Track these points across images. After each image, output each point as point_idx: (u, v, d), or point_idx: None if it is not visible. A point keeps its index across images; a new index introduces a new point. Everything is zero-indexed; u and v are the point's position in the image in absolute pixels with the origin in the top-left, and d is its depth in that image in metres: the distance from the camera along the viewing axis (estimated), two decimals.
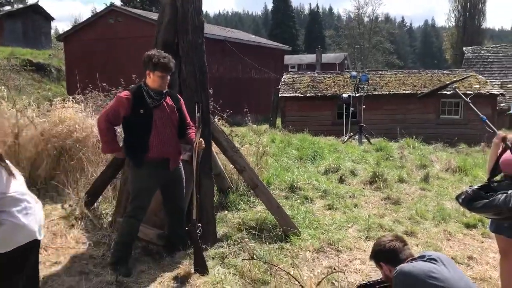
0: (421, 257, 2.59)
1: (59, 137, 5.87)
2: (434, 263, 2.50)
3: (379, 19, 65.54)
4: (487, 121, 3.44)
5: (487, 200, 3.00)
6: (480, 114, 3.52)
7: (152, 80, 3.74)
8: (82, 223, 4.62)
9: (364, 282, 3.02)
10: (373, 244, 2.83)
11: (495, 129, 3.46)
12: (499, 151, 3.34)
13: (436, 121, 17.21)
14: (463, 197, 3.16)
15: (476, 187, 3.19)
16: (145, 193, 3.86)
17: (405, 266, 2.50)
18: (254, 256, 3.70)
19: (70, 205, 4.81)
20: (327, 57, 49.42)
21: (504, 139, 3.24)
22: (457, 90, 3.84)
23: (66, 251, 4.08)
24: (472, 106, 3.78)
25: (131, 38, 21.37)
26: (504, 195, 2.92)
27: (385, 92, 17.53)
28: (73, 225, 4.57)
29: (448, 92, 16.89)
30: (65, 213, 4.74)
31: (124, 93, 3.82)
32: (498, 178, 3.30)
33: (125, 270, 3.73)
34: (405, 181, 7.48)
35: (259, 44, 28.67)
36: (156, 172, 3.84)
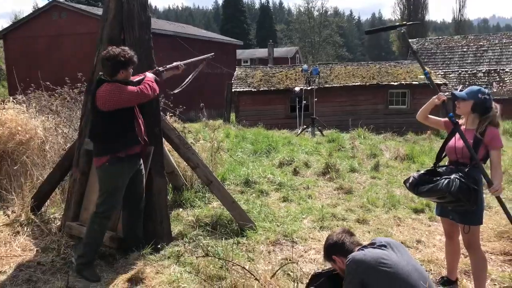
0: (372, 244, 2.68)
1: (0, 140, 5.55)
2: (384, 249, 2.59)
3: (329, 12, 66.91)
4: (429, 76, 3.57)
5: (431, 185, 3.14)
6: (425, 69, 3.64)
7: (126, 75, 3.70)
8: (28, 229, 4.40)
9: (319, 271, 3.08)
10: (323, 245, 2.89)
11: (436, 87, 3.61)
12: (439, 119, 3.51)
13: (384, 111, 17.82)
14: (409, 181, 3.30)
15: (422, 172, 3.34)
16: (120, 190, 3.78)
17: (356, 255, 2.58)
18: (209, 253, 3.67)
19: (13, 211, 4.56)
20: (279, 52, 49.81)
21: (444, 102, 3.40)
22: (406, 35, 3.92)
23: (12, 259, 3.88)
24: (418, 58, 3.90)
25: (76, 34, 20.60)
26: (447, 179, 3.07)
27: (336, 85, 17.94)
28: (18, 232, 4.34)
29: (395, 83, 17.51)
30: (9, 220, 4.49)
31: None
32: (443, 163, 3.46)
33: (94, 275, 3.63)
34: (357, 171, 7.69)
35: (211, 39, 28.48)
36: (132, 167, 3.81)
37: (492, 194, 3.20)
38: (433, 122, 3.63)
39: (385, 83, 17.69)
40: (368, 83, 17.84)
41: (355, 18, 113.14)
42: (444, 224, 3.60)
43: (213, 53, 5.05)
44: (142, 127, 3.86)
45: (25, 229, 4.41)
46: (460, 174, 3.12)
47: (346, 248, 2.68)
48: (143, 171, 4.02)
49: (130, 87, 3.65)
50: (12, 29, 23.36)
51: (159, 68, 4.18)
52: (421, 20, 47.47)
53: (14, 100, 6.28)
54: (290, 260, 3.74)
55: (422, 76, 17.53)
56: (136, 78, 3.86)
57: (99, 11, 21.61)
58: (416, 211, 5.62)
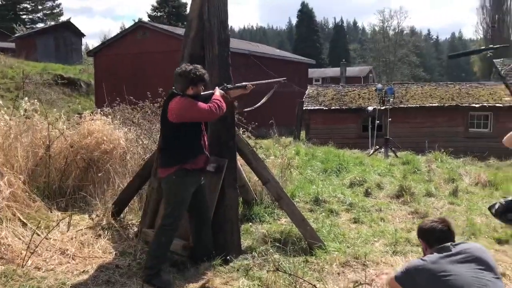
0: (445, 250, 2.69)
1: (88, 148, 5.98)
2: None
3: (405, 32, 64.85)
4: None
5: None
6: None
7: (195, 91, 3.83)
8: (108, 233, 4.68)
9: None
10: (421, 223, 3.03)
11: None
12: None
13: (464, 134, 16.86)
14: (496, 207, 3.10)
15: (510, 198, 3.12)
16: (185, 203, 3.89)
17: (419, 264, 2.69)
18: (279, 268, 3.66)
19: (97, 215, 4.88)
20: (352, 71, 49.13)
21: None
22: (492, 60, 3.73)
23: (94, 260, 4.13)
24: (507, 84, 3.70)
25: (157, 52, 21.83)
26: None
27: (412, 105, 17.31)
28: (100, 235, 4.63)
29: (477, 105, 16.53)
30: (92, 223, 4.81)
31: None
32: None
33: (164, 281, 3.72)
34: (433, 195, 7.32)
35: (283, 58, 28.79)
36: (196, 181, 3.92)
37: None
38: None
39: (466, 104, 16.76)
40: (446, 104, 17.01)
41: (433, 37, 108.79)
42: None
43: (285, 78, 5.13)
44: (206, 142, 3.96)
45: (106, 233, 4.68)
46: None
47: (432, 239, 2.81)
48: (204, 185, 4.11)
49: (201, 104, 3.75)
50: (101, 48, 25.33)
51: (228, 85, 4.26)
52: (509, 41, 44.49)
53: (101, 112, 6.76)
54: (361, 283, 3.62)
55: (508, 98, 16.38)
56: (205, 93, 3.98)
57: (178, 30, 22.80)
58: (500, 241, 5.20)
